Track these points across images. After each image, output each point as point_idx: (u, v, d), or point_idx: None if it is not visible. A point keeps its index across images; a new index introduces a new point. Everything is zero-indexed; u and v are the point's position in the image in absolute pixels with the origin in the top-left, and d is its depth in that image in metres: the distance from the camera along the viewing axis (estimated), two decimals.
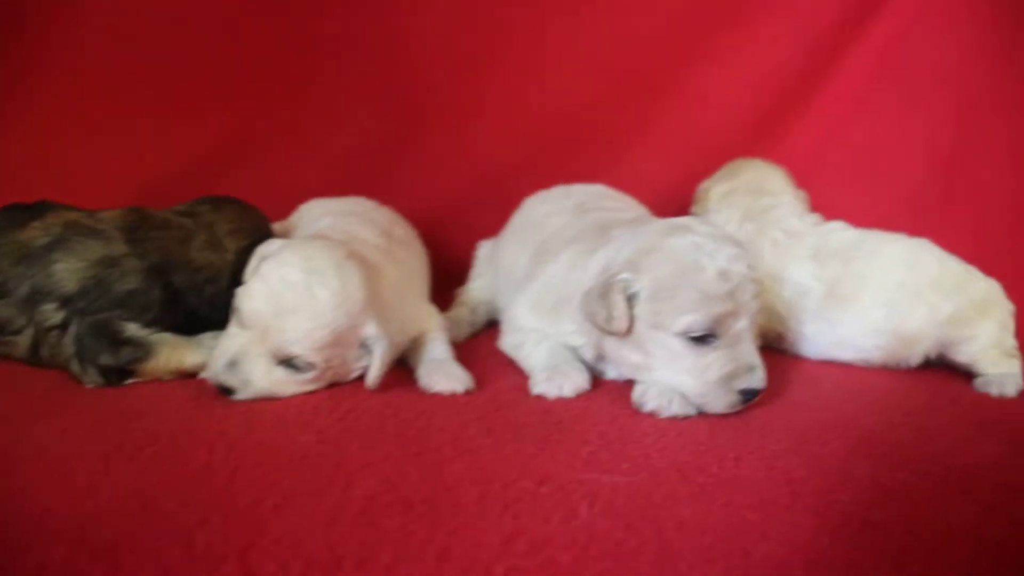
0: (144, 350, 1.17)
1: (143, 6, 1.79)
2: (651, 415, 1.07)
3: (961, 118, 1.74)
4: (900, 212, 1.69)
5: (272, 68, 1.84)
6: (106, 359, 1.16)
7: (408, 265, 1.35)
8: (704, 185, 1.63)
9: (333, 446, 0.94)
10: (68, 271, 1.20)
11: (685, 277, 1.06)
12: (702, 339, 1.06)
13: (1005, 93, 1.71)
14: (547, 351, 1.19)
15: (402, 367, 1.26)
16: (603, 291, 1.10)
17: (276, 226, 1.50)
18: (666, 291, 1.07)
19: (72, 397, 1.12)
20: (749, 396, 1.06)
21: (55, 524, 0.76)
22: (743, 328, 1.07)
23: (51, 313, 1.20)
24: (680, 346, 1.07)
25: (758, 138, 1.79)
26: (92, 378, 1.17)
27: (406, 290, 1.29)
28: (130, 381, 1.17)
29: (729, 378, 1.06)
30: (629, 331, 1.10)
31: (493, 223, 1.57)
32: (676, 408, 1.06)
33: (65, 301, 1.20)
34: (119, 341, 1.17)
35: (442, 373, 1.16)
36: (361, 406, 1.08)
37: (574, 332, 1.19)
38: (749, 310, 1.07)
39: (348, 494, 0.82)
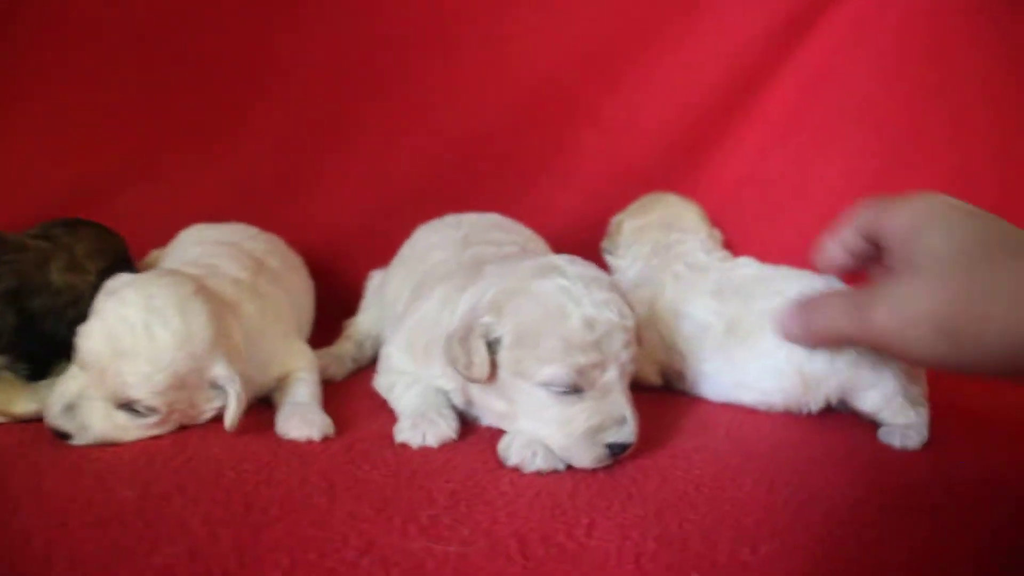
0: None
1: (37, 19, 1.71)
2: (515, 469, 1.00)
3: (883, 153, 1.69)
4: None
5: (173, 87, 1.77)
6: None
7: (275, 300, 1.28)
8: (617, 219, 1.57)
9: (154, 502, 0.86)
10: None
11: (549, 324, 0.99)
12: (568, 390, 1.00)
13: (928, 128, 1.66)
14: (416, 396, 1.13)
15: (267, 410, 1.18)
16: (464, 335, 1.03)
17: (155, 252, 1.43)
18: (529, 338, 1.00)
19: None
20: (617, 450, 1.00)
21: None
22: (612, 379, 1.01)
23: None
24: (544, 396, 1.01)
25: (675, 167, 1.73)
26: None
27: (269, 328, 1.22)
28: None
29: (596, 431, 0.99)
30: (492, 378, 1.03)
31: (390, 251, 1.51)
32: (540, 462, 0.99)
33: None
34: None
35: (299, 418, 1.09)
36: (202, 455, 1.00)
37: (443, 376, 1.12)
38: (619, 360, 1.01)
39: (144, 563, 0.74)
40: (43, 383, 1.12)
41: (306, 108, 1.80)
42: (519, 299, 1.02)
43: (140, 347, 1.01)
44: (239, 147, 1.79)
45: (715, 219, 1.59)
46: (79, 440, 1.02)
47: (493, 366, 1.03)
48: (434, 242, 1.36)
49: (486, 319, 1.02)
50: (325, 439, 1.07)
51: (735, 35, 1.72)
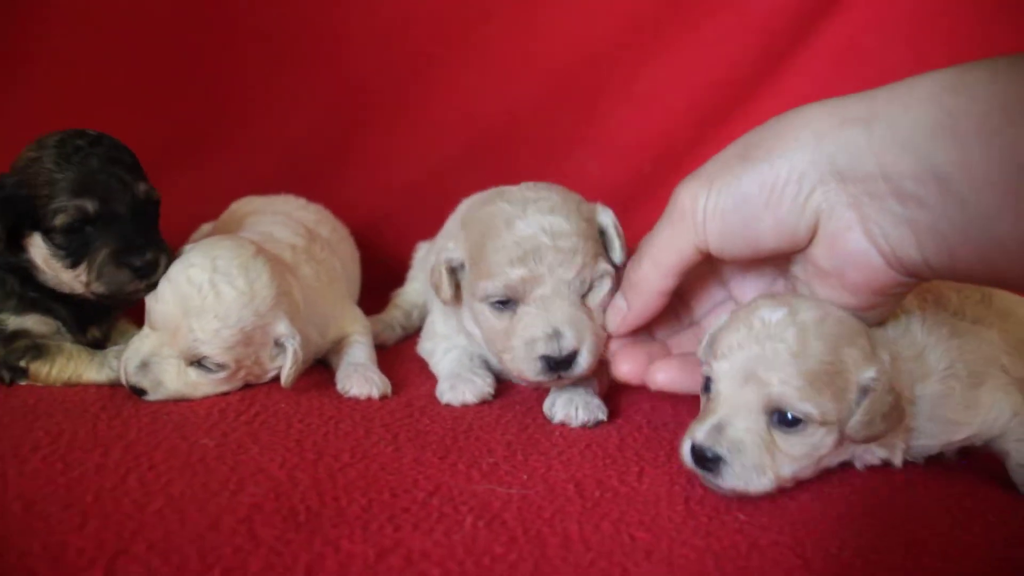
0: (39, 350, 1.15)
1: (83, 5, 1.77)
2: (562, 425, 1.06)
3: None
4: None
5: (215, 64, 1.82)
6: (0, 352, 1.15)
7: (330, 265, 1.34)
8: None
9: (232, 450, 0.93)
10: None
11: (486, 244, 1.04)
12: (504, 304, 1.05)
13: None
14: (453, 360, 1.19)
15: (325, 371, 1.25)
16: (435, 264, 1.11)
17: (206, 225, 1.48)
18: (474, 259, 1.06)
19: None
20: (554, 364, 1.01)
21: None
22: (546, 293, 1.02)
23: None
24: (488, 311, 1.06)
25: (704, 140, 1.78)
26: None
27: (326, 291, 1.28)
28: (24, 382, 1.16)
29: (531, 343, 1.02)
30: (459, 301, 1.12)
31: (435, 223, 1.56)
32: (582, 415, 1.05)
33: None
34: (7, 335, 1.16)
35: (359, 377, 1.14)
36: (270, 409, 1.07)
37: (461, 332, 1.20)
38: (554, 275, 1.02)
39: (234, 500, 0.80)
40: (110, 351, 1.17)
41: (349, 84, 1.85)
42: (469, 225, 1.09)
43: (208, 305, 1.07)
44: (284, 123, 1.85)
45: None
46: (154, 396, 1.08)
47: (459, 290, 1.11)
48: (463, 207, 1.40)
49: (449, 245, 1.10)
50: (384, 397, 1.13)
51: (764, 9, 1.75)
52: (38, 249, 1.13)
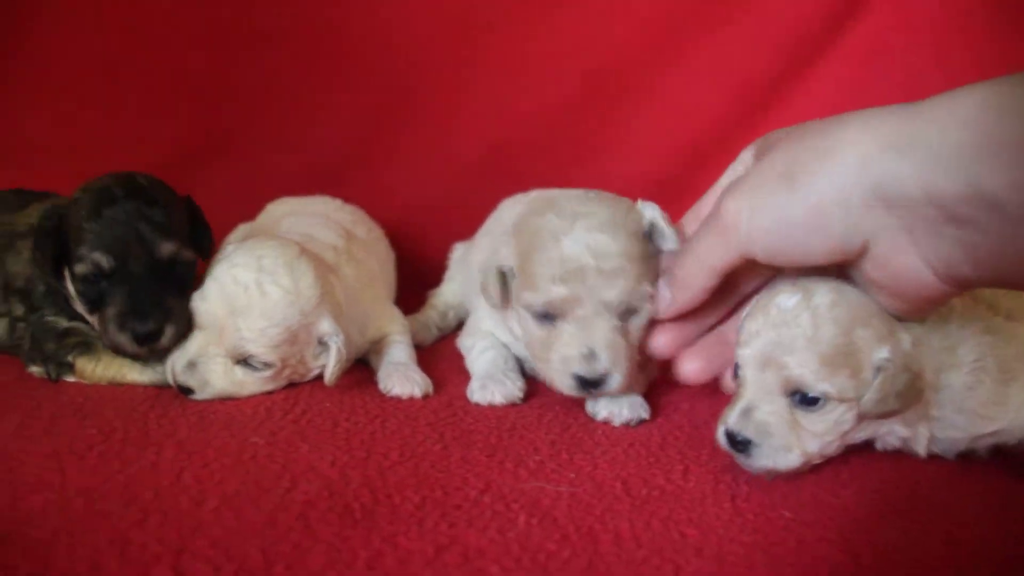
0: (87, 346, 1.18)
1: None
2: (605, 423, 1.07)
3: None
4: None
5: (248, 64, 1.84)
6: (51, 347, 1.18)
7: (368, 266, 1.35)
8: None
9: (282, 448, 0.95)
10: (19, 265, 1.22)
11: (533, 255, 1.05)
12: (545, 317, 1.06)
13: None
14: (488, 361, 1.20)
15: (365, 370, 1.26)
16: (487, 268, 1.12)
17: (243, 227, 1.50)
18: (522, 268, 1.07)
19: (31, 393, 1.13)
20: (585, 384, 1.04)
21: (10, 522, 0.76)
22: (587, 314, 1.04)
23: (15, 304, 1.21)
24: (530, 320, 1.08)
25: (731, 141, 1.78)
26: (36, 367, 1.19)
27: (365, 291, 1.30)
28: (70, 378, 1.18)
29: (567, 360, 1.04)
30: (508, 305, 1.13)
31: (467, 224, 1.57)
32: (626, 413, 1.06)
33: (21, 294, 1.21)
34: (60, 332, 1.19)
35: (401, 376, 1.16)
36: (316, 408, 1.09)
37: (501, 327, 1.22)
38: (596, 296, 1.03)
39: (288, 498, 0.82)
40: None
41: (377, 88, 1.86)
42: (519, 234, 1.10)
43: (254, 304, 1.09)
44: (313, 125, 1.87)
45: None
46: (201, 395, 1.10)
47: (509, 296, 1.12)
48: (511, 216, 1.41)
49: (502, 252, 1.11)
50: (426, 396, 1.15)
51: (789, 12, 1.76)
52: (70, 285, 1.16)
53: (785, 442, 0.89)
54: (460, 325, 1.46)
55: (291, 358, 1.12)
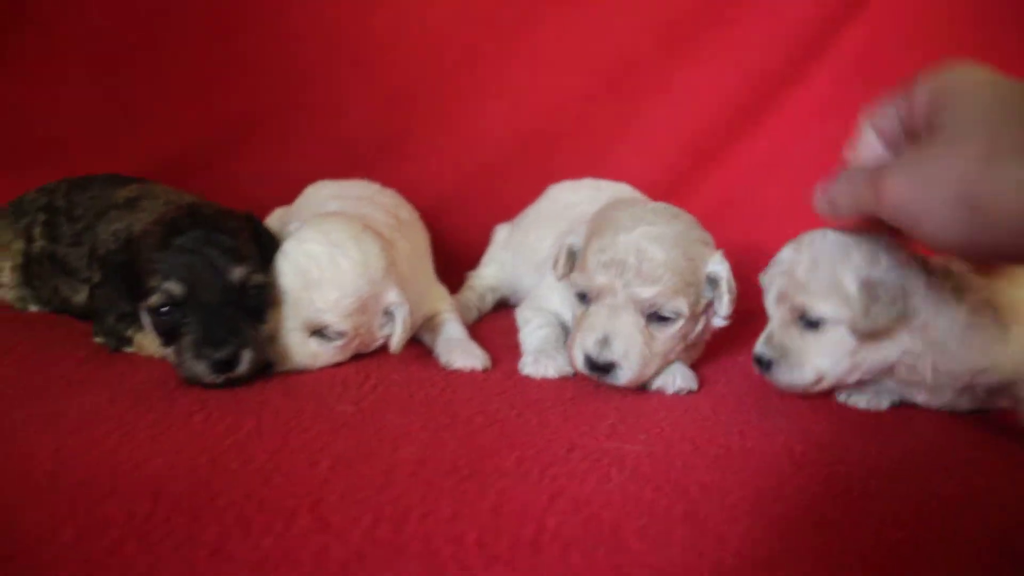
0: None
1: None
2: (659, 392, 1.15)
3: None
4: None
5: (279, 49, 1.90)
6: (111, 322, 1.23)
7: (417, 245, 1.42)
8: None
9: (370, 416, 1.01)
10: (107, 233, 1.27)
11: (594, 241, 1.14)
12: (583, 297, 1.16)
13: None
14: (540, 338, 1.27)
15: (419, 347, 1.33)
16: (560, 243, 1.23)
17: (280, 210, 1.55)
18: (584, 249, 1.17)
19: (108, 366, 1.18)
20: (593, 366, 1.12)
21: (128, 481, 0.82)
22: (618, 304, 1.12)
23: (95, 272, 1.26)
24: (575, 300, 1.18)
25: (737, 135, 1.88)
26: (99, 337, 1.25)
27: (419, 267, 1.37)
28: (128, 349, 1.24)
29: (585, 339, 1.12)
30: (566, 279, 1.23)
31: (489, 210, 1.64)
32: (680, 382, 1.15)
33: (100, 261, 1.26)
34: (122, 313, 1.23)
35: (461, 351, 1.23)
36: (387, 379, 1.15)
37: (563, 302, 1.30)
38: (630, 292, 1.11)
39: (396, 458, 0.89)
40: None
41: (404, 78, 1.93)
42: (595, 221, 1.19)
43: (327, 276, 1.15)
44: (342, 113, 1.93)
45: (778, 185, 1.75)
46: (279, 368, 1.16)
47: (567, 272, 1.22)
48: (575, 200, 1.49)
49: (578, 230, 1.21)
50: (486, 370, 1.22)
51: (794, 12, 1.85)
52: (143, 317, 1.16)
53: (798, 360, 1.07)
54: (497, 307, 1.52)
55: (361, 327, 1.18)
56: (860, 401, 1.14)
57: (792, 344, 1.08)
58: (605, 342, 1.11)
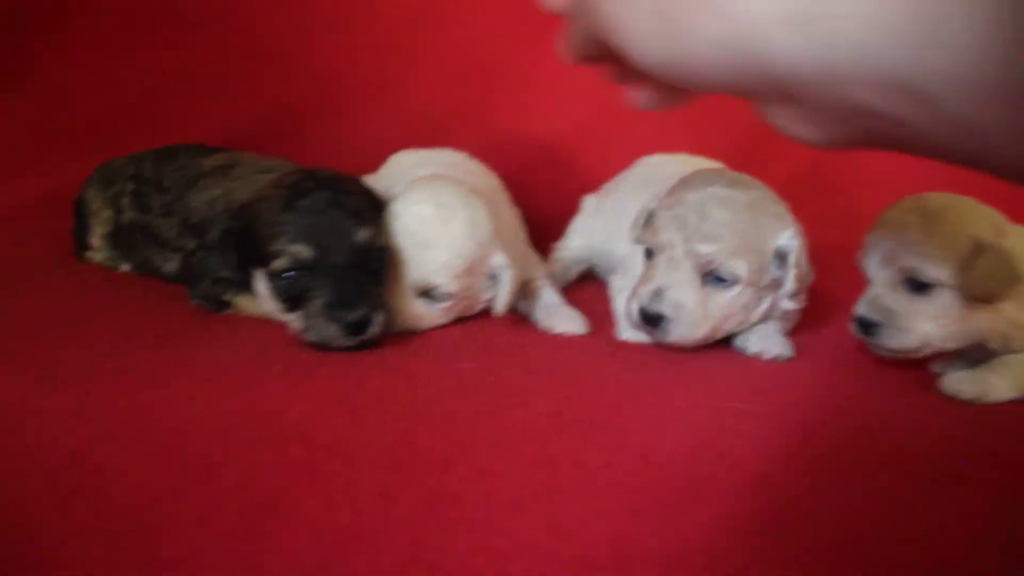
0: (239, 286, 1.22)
1: None
2: (755, 357, 1.16)
3: None
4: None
5: (358, 18, 1.95)
6: (207, 286, 1.25)
7: (511, 211, 1.43)
8: None
9: (492, 373, 1.02)
10: (200, 202, 1.29)
11: (666, 199, 1.16)
12: (649, 255, 1.17)
13: None
14: None
15: (510, 314, 1.33)
16: (642, 208, 1.22)
17: (367, 179, 1.56)
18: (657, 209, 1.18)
19: (215, 325, 1.20)
20: (645, 317, 1.12)
21: (274, 428, 0.85)
22: (676, 257, 1.12)
23: (188, 240, 1.28)
24: (640, 256, 1.19)
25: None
26: (196, 299, 1.26)
27: (517, 233, 1.38)
28: (228, 311, 1.25)
29: (640, 291, 1.13)
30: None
31: (565, 185, 1.66)
32: (777, 348, 1.16)
33: (195, 229, 1.28)
34: (219, 277, 1.24)
35: (562, 316, 1.25)
36: (493, 343, 1.17)
37: None
38: (689, 248, 1.11)
39: (527, 411, 0.91)
40: None
41: (481, 49, 1.96)
42: (674, 183, 1.19)
43: (438, 238, 1.16)
44: (411, 87, 1.96)
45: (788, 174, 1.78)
46: (390, 329, 1.15)
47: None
48: (674, 171, 1.45)
49: (658, 193, 1.21)
50: (586, 335, 1.23)
51: None
52: (261, 284, 1.16)
53: (906, 323, 1.05)
54: (581, 279, 1.53)
55: (468, 290, 1.20)
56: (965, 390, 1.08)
57: (898, 307, 1.07)
58: (658, 293, 1.11)
